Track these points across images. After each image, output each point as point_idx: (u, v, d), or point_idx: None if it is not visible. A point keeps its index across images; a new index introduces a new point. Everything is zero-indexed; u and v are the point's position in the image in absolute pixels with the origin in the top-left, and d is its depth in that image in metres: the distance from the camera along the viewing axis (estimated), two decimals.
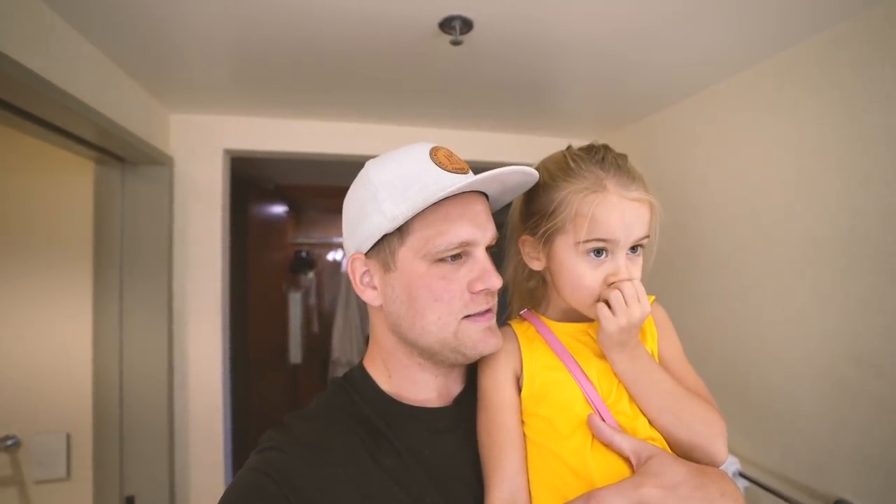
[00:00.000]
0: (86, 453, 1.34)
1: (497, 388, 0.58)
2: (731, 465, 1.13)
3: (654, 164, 1.52)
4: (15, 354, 1.31)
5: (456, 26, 0.90)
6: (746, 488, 1.13)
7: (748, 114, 1.17)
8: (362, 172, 0.60)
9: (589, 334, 0.61)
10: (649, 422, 0.55)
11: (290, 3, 0.85)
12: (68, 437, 1.34)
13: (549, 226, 0.57)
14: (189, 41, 1.00)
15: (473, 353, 0.57)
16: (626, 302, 0.53)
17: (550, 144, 1.77)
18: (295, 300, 3.18)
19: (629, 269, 0.56)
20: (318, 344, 3.67)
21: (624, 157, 0.58)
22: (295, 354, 3.16)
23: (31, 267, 1.33)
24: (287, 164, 2.35)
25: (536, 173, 0.59)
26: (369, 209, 0.56)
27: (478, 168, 0.56)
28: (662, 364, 0.59)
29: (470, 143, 1.70)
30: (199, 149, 1.48)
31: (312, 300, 3.71)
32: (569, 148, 0.61)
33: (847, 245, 0.94)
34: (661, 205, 0.58)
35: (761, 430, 1.13)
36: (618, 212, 0.54)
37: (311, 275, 3.66)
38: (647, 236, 0.57)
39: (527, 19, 0.91)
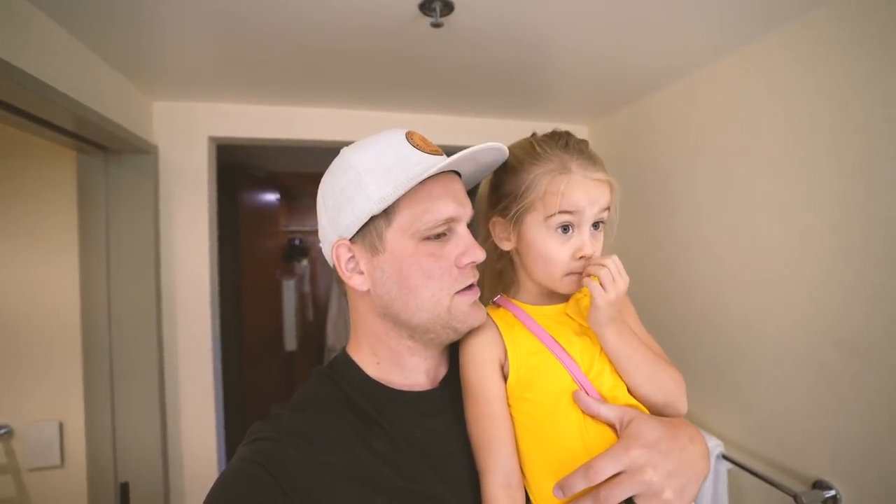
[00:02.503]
0: (79, 441, 1.35)
1: (482, 378, 0.60)
2: (716, 447, 1.14)
3: (643, 148, 1.51)
4: (3, 349, 1.31)
5: (436, 8, 0.88)
6: (730, 470, 1.14)
7: (737, 96, 1.15)
8: (339, 160, 0.60)
9: (567, 314, 0.64)
10: (633, 389, 0.60)
11: None
12: (61, 425, 1.35)
13: (519, 206, 0.61)
14: (169, 28, 0.97)
15: (464, 327, 0.60)
16: (612, 277, 0.57)
17: (536, 129, 1.75)
18: (289, 288, 3.18)
19: (592, 244, 0.61)
20: (313, 331, 3.69)
21: (585, 142, 0.63)
22: (290, 342, 3.18)
23: (16, 255, 1.32)
24: (278, 152, 2.32)
25: (507, 150, 0.62)
26: (353, 194, 0.56)
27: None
28: None
29: (457, 128, 1.68)
30: (184, 136, 1.46)
31: (307, 287, 3.72)
32: (533, 135, 0.65)
33: (832, 231, 0.94)
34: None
35: (746, 414, 1.14)
36: (582, 189, 0.59)
37: (304, 262, 3.66)
38: (608, 209, 0.62)
39: (508, 2, 0.89)
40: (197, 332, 1.48)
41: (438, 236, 0.57)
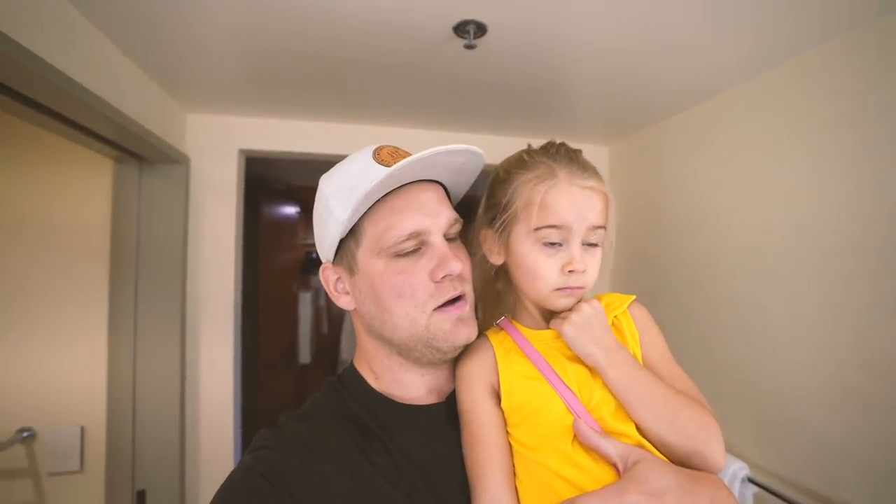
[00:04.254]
0: (99, 447, 1.36)
1: (475, 403, 0.57)
2: (741, 470, 1.12)
3: (666, 169, 1.52)
4: (33, 350, 1.33)
5: (470, 30, 0.91)
6: (756, 494, 1.11)
7: (758, 120, 1.17)
8: (318, 188, 0.61)
9: (560, 339, 0.59)
10: (643, 431, 0.52)
11: (305, 7, 0.87)
12: (82, 430, 1.36)
13: (504, 217, 0.58)
14: (206, 43, 1.02)
15: (446, 346, 0.57)
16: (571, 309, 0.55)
17: None
18: (305, 300, 3.20)
19: (584, 259, 0.55)
20: (327, 344, 3.70)
21: (578, 151, 0.59)
22: (304, 354, 3.18)
23: (49, 262, 1.35)
24: (299, 165, 2.36)
25: (480, 151, 0.58)
26: (326, 219, 0.58)
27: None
28: (649, 367, 0.57)
29: (484, 146, 1.69)
30: (215, 148, 1.51)
31: (322, 300, 3.74)
32: (528, 146, 0.62)
33: (855, 253, 0.94)
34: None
35: (771, 436, 1.12)
36: (567, 197, 0.54)
37: None
38: (603, 227, 0.57)
39: (540, 25, 0.92)
40: (219, 341, 1.50)
41: (411, 252, 0.55)
